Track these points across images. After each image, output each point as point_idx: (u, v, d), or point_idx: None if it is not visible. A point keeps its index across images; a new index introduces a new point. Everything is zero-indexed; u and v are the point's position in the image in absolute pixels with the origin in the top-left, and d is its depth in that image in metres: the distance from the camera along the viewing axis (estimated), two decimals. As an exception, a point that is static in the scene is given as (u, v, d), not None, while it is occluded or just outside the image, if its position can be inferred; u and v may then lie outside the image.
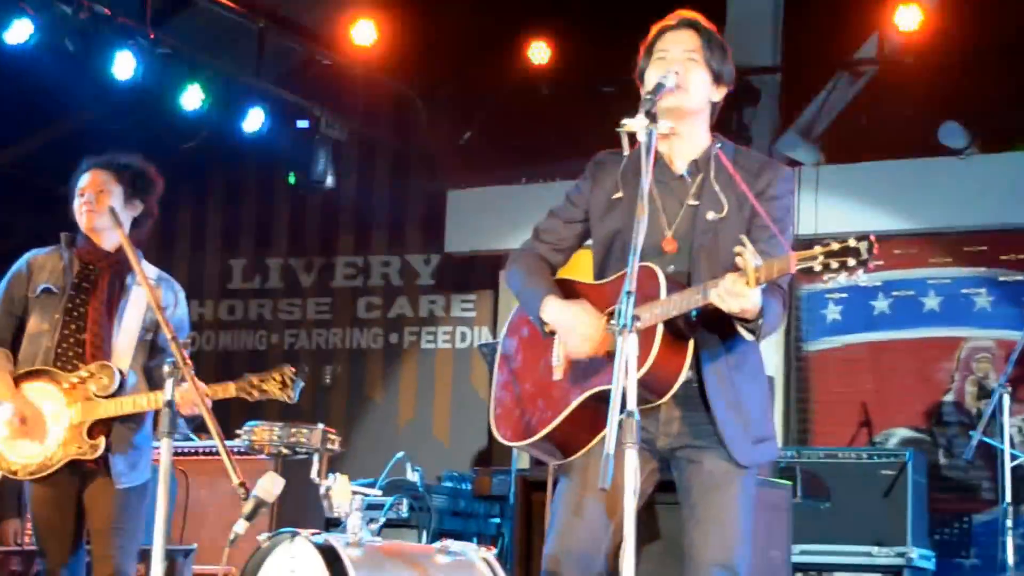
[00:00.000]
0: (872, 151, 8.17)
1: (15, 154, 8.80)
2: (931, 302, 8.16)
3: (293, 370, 4.22)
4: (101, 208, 4.36)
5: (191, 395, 3.87)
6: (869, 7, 7.81)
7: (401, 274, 9.71)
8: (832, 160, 8.31)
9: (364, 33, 8.18)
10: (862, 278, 2.97)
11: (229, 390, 4.22)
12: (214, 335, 9.87)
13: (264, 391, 4.20)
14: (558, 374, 3.40)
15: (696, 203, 3.39)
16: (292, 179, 8.68)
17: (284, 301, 9.96)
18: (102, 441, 4.27)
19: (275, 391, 4.19)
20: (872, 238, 2.95)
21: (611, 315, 3.29)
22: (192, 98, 7.64)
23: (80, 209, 4.43)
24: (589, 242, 3.55)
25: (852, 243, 2.94)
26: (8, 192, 8.53)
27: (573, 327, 3.32)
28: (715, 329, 3.27)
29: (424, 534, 6.34)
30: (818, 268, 2.97)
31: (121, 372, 4.32)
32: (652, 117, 3.14)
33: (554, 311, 3.38)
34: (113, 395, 4.29)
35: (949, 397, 8.04)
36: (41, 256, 4.50)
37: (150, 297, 4.02)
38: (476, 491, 6.91)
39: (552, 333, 3.41)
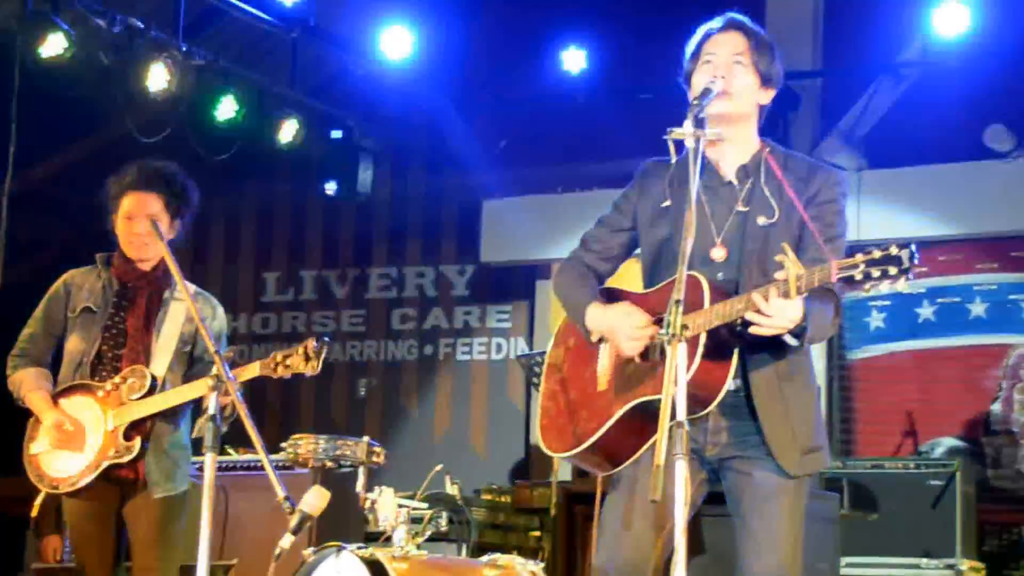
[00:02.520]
0: (916, 156, 8.12)
1: (50, 168, 8.88)
2: (977, 308, 8.11)
3: (316, 342, 4.20)
4: (154, 241, 4.39)
5: (236, 406, 3.89)
6: (911, 9, 7.77)
7: (436, 285, 9.73)
8: (875, 165, 8.27)
9: (398, 42, 8.21)
10: (905, 286, 2.94)
11: (253, 369, 4.21)
12: (247, 348, 9.92)
13: (288, 366, 4.19)
14: (603, 384, 3.40)
15: (746, 209, 3.38)
16: (333, 188, 8.71)
17: (318, 313, 10.00)
18: (137, 443, 4.30)
19: (299, 365, 4.18)
20: (914, 246, 2.92)
21: (659, 322, 3.30)
22: (226, 109, 7.69)
23: (130, 239, 4.44)
24: (638, 251, 3.56)
25: (894, 251, 2.92)
26: (43, 207, 8.61)
27: (618, 327, 3.33)
28: (763, 338, 3.24)
29: (464, 547, 6.35)
30: (859, 277, 2.94)
31: (154, 376, 4.36)
32: (699, 123, 3.14)
33: (597, 316, 3.39)
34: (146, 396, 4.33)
35: (997, 406, 7.98)
36: (79, 276, 4.55)
37: (192, 309, 4.05)
38: (516, 503, 6.91)
39: (599, 341, 3.41)
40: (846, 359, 8.36)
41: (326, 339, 4.28)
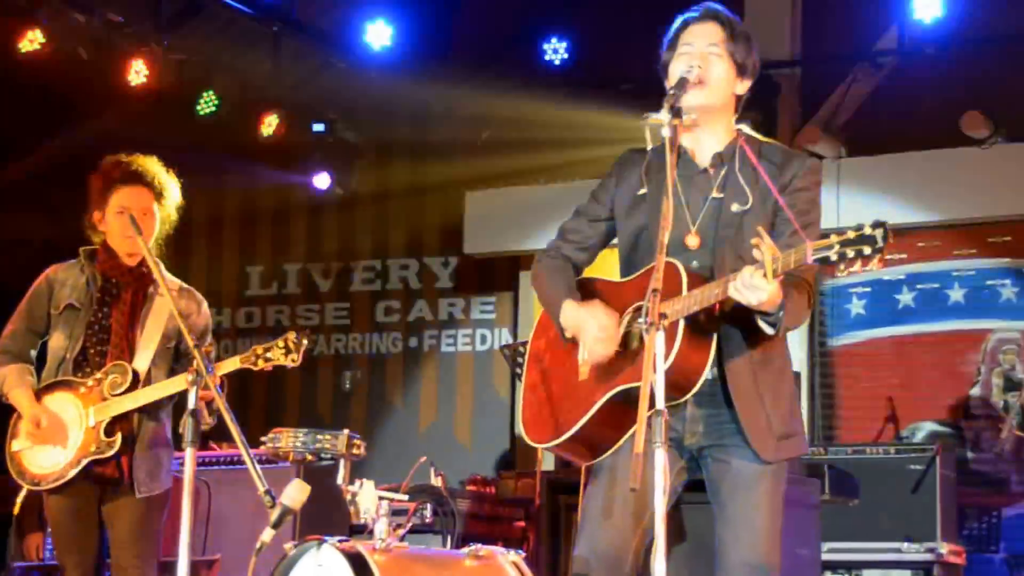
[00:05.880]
0: (894, 143, 8.12)
1: (30, 164, 8.82)
2: (956, 294, 8.12)
3: (296, 335, 4.21)
4: (148, 234, 4.37)
5: (215, 400, 3.87)
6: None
7: (420, 277, 9.70)
8: (853, 153, 8.27)
9: (379, 34, 8.17)
10: (878, 265, 2.93)
11: (233, 363, 4.21)
12: (232, 343, 9.88)
13: (269, 359, 4.20)
14: (584, 374, 3.39)
15: (720, 196, 3.37)
16: (322, 181, 8.68)
17: (302, 307, 9.96)
18: (118, 438, 4.27)
19: (280, 358, 4.19)
20: (886, 224, 2.91)
21: (637, 310, 3.29)
22: (207, 104, 7.65)
23: (126, 233, 4.40)
24: (615, 241, 3.54)
25: (867, 230, 2.91)
26: (23, 202, 8.55)
27: (587, 328, 3.32)
28: (738, 324, 3.25)
29: (449, 539, 6.33)
30: (834, 257, 2.94)
31: (136, 371, 4.33)
32: (676, 112, 3.15)
33: (569, 314, 3.39)
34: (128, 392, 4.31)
35: (976, 391, 8.00)
36: (62, 271, 4.51)
37: (172, 306, 4.02)
38: (500, 495, 6.89)
39: (573, 338, 3.40)
40: (827, 346, 8.36)
41: (308, 332, 4.26)
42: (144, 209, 4.42)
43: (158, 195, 4.49)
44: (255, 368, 4.20)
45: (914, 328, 8.19)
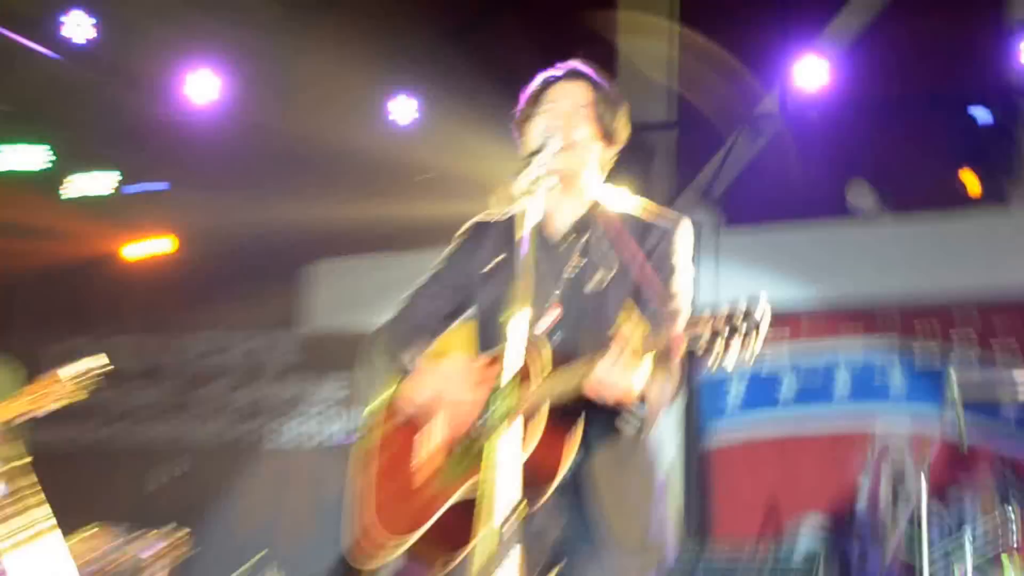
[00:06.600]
0: (776, 214, 8.28)
1: None
2: (842, 376, 8.22)
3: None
4: None
5: None
6: (770, 58, 7.96)
7: (258, 353, 9.57)
8: (734, 223, 8.41)
9: (205, 86, 8.08)
10: (756, 346, 2.93)
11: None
12: (28, 430, 9.58)
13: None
14: (429, 470, 3.37)
15: (580, 266, 3.40)
16: (143, 245, 8.56)
17: (113, 389, 9.73)
18: None
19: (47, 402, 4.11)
20: (764, 298, 2.95)
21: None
22: (14, 159, 7.52)
23: None
24: (467, 315, 3.55)
25: (742, 305, 2.95)
26: None
27: (447, 389, 3.31)
28: (600, 414, 3.25)
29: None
30: (706, 334, 2.95)
31: None
32: (532, 180, 3.11)
33: (421, 378, 3.37)
34: None
35: (861, 505, 8.00)
36: None
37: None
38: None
39: (423, 416, 3.37)
40: (703, 437, 8.41)
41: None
42: None
43: None
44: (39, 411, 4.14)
45: (797, 413, 8.26)
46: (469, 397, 3.31)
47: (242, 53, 8.18)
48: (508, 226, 3.41)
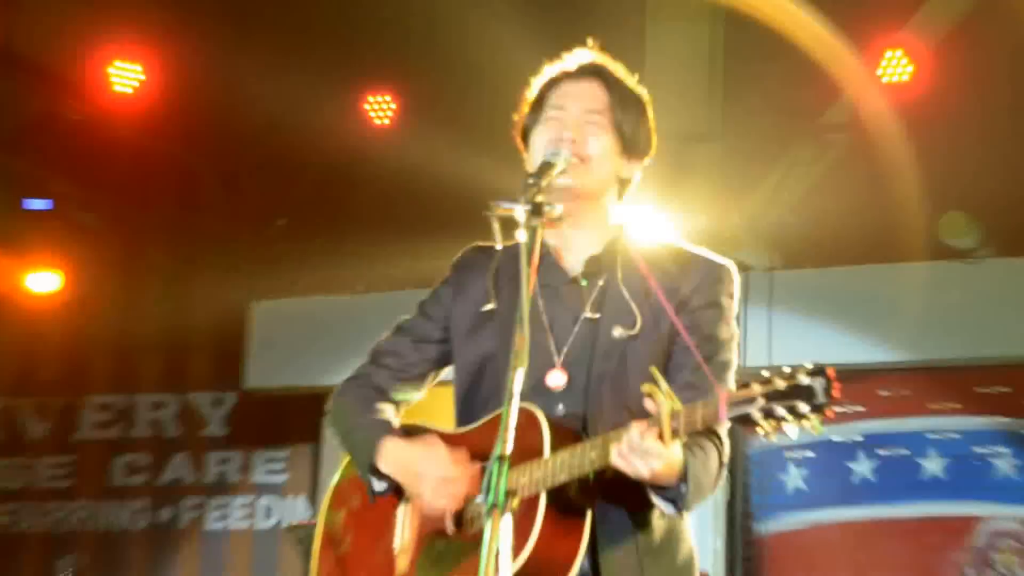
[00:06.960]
0: (844, 252, 8.27)
1: None
2: (932, 465, 8.22)
3: None
4: None
5: None
6: (839, 56, 7.90)
7: (179, 420, 9.62)
8: (791, 264, 8.42)
9: (128, 78, 8.06)
10: (820, 428, 2.93)
11: None
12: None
13: None
14: (402, 567, 3.39)
15: (596, 316, 3.41)
16: (39, 281, 8.63)
17: (4, 460, 9.79)
18: None
19: None
20: (831, 372, 2.94)
21: (483, 472, 3.29)
22: None
23: None
24: (450, 372, 3.56)
25: (803, 379, 2.94)
26: None
27: (425, 470, 3.32)
28: (621, 499, 3.27)
29: None
30: (757, 414, 2.96)
31: None
32: (535, 207, 3.11)
33: (395, 454, 3.39)
34: None
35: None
36: None
37: None
38: None
39: (392, 493, 3.39)
40: (753, 532, 8.42)
41: None
42: None
43: None
44: None
45: (874, 511, 8.27)
46: (452, 477, 3.32)
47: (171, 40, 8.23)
48: (506, 260, 3.44)
